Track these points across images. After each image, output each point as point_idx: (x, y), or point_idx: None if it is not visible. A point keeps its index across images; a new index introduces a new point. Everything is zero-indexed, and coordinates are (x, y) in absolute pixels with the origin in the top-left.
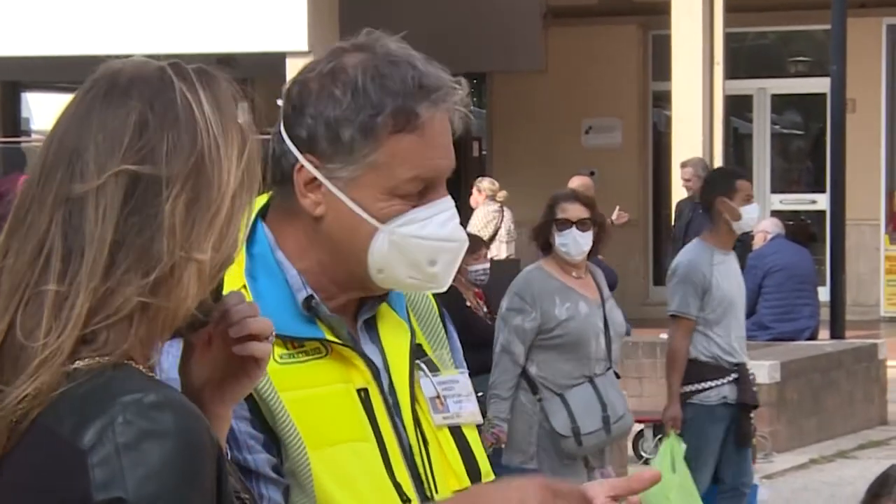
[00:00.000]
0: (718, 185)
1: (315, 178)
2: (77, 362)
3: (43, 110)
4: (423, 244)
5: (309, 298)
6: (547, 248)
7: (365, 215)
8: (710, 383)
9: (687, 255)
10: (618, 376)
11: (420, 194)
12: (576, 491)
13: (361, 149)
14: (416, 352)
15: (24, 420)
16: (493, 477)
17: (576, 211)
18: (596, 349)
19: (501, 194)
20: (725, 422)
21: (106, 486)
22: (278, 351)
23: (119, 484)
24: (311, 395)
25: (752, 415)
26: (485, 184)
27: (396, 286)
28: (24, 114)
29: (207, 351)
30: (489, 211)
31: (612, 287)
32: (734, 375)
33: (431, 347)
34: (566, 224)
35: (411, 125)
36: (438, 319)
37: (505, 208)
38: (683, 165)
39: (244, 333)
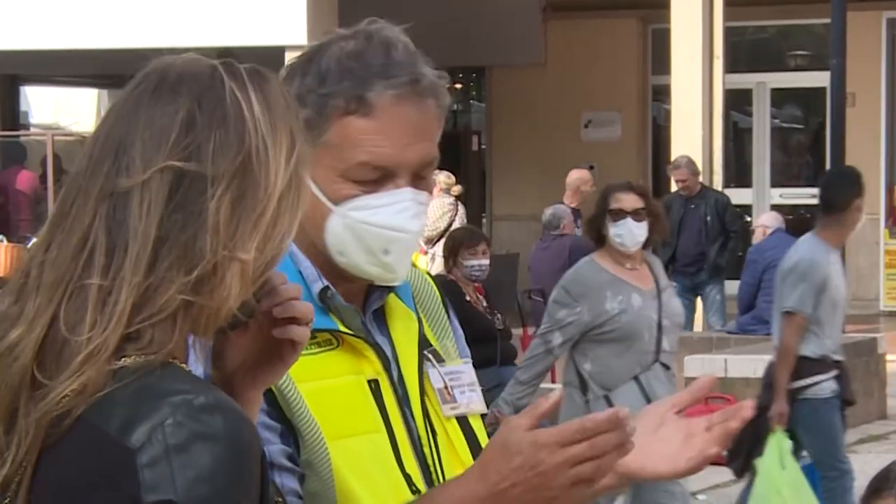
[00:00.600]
0: (855, 186)
1: None
2: (123, 360)
3: (41, 104)
4: (373, 231)
5: (325, 290)
6: (600, 240)
7: (320, 195)
8: (820, 377)
9: (808, 252)
10: (668, 367)
11: (377, 182)
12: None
13: (315, 128)
14: (423, 342)
15: (68, 416)
16: None
17: (630, 201)
18: (648, 342)
19: (456, 188)
20: (838, 413)
21: (156, 488)
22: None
23: (169, 486)
24: (324, 387)
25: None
26: (441, 177)
27: (360, 272)
28: (22, 107)
29: (243, 334)
30: (444, 203)
31: None
32: (838, 371)
33: (436, 338)
34: (621, 214)
35: (362, 109)
36: (442, 309)
37: (459, 203)
38: (675, 167)
39: (288, 315)
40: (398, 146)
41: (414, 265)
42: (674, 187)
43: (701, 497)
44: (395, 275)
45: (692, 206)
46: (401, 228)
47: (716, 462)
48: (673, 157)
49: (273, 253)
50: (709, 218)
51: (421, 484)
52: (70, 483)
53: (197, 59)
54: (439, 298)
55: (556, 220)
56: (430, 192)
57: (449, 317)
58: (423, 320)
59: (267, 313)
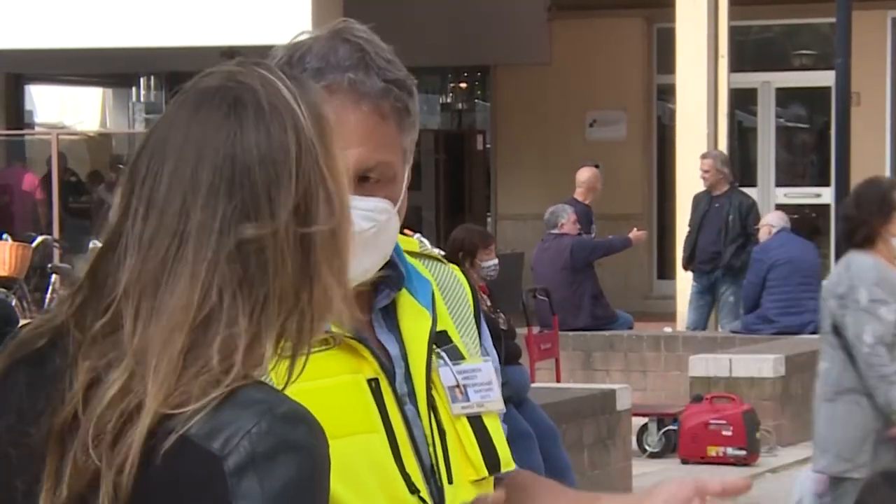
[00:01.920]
0: None
1: None
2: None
3: (46, 103)
4: None
5: None
6: (867, 242)
7: None
8: None
9: None
10: None
11: None
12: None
13: None
14: (439, 339)
15: (174, 433)
16: (514, 466)
17: None
18: None
19: None
20: None
21: (245, 496)
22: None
23: (257, 494)
24: (315, 388)
25: None
26: None
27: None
28: (27, 106)
29: None
30: None
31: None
32: None
33: (459, 333)
34: None
35: None
36: (469, 305)
37: None
38: (704, 156)
39: None
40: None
41: (444, 262)
42: (679, 186)
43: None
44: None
45: (716, 205)
46: None
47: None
48: (678, 157)
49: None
50: (731, 217)
51: (421, 483)
52: (160, 490)
53: (264, 76)
54: (469, 297)
55: (553, 219)
56: (391, 198)
57: (478, 316)
58: (445, 315)
59: None
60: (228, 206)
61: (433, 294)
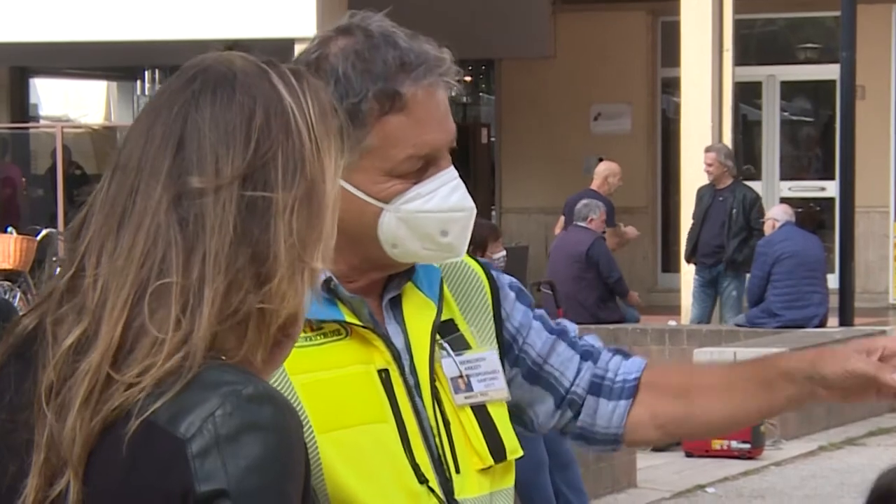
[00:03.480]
0: None
1: None
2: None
3: (51, 96)
4: (430, 217)
5: (328, 281)
6: None
7: (367, 198)
8: None
9: None
10: None
11: (421, 170)
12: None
13: (351, 136)
14: (444, 329)
15: (134, 410)
16: (520, 453)
17: None
18: None
19: None
20: None
21: (208, 478)
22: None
23: (221, 476)
24: (327, 378)
25: None
26: None
27: (414, 259)
28: (32, 99)
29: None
30: None
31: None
32: None
33: (468, 322)
34: None
35: (397, 106)
36: (486, 291)
37: None
38: (708, 150)
39: None
40: (437, 130)
41: None
42: (684, 179)
43: (710, 490)
44: (454, 252)
45: (720, 199)
46: (458, 208)
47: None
48: (682, 150)
49: (327, 257)
50: (734, 211)
51: (431, 473)
52: (122, 474)
53: (251, 59)
54: (485, 283)
55: (585, 211)
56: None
57: (496, 300)
58: (453, 305)
59: None
60: (176, 159)
61: (441, 283)
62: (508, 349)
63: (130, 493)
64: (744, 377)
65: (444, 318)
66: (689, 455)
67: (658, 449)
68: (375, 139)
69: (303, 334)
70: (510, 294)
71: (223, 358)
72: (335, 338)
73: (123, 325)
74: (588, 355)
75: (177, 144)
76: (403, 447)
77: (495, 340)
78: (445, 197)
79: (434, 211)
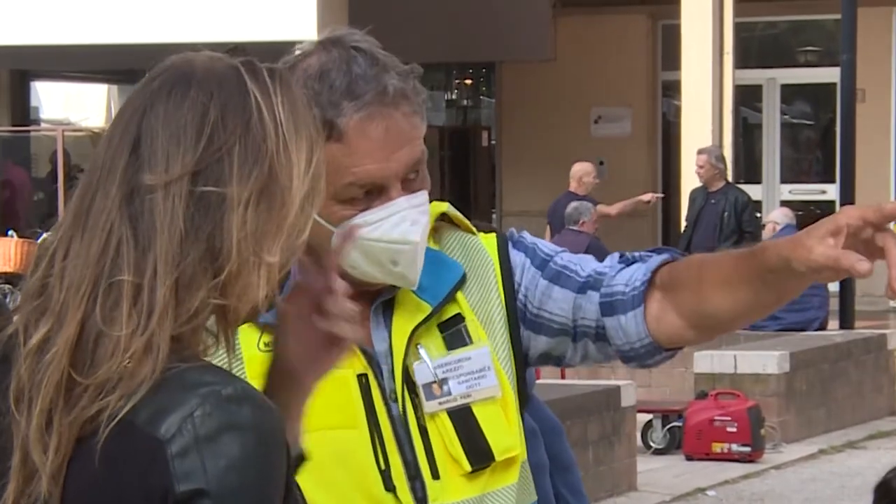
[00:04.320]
0: None
1: None
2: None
3: (51, 99)
4: (377, 246)
5: None
6: None
7: (320, 220)
8: None
9: None
10: None
11: (369, 196)
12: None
13: None
14: (447, 325)
15: (101, 414)
16: (516, 452)
17: None
18: None
19: None
20: None
21: (187, 478)
22: (266, 339)
23: (200, 475)
24: None
25: None
26: None
27: (374, 280)
28: (32, 103)
29: (300, 324)
30: None
31: None
32: None
33: (476, 311)
34: None
35: (333, 135)
36: (494, 268)
37: None
38: (699, 152)
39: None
40: (379, 160)
41: (473, 232)
42: (684, 182)
43: (710, 493)
44: (407, 282)
45: (712, 201)
46: (402, 240)
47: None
48: (683, 153)
49: (292, 253)
50: (726, 214)
51: (402, 480)
52: (102, 476)
53: (218, 57)
54: (494, 261)
55: (576, 215)
56: (426, 187)
57: (506, 276)
58: (461, 300)
59: (311, 304)
60: (130, 158)
61: (459, 282)
62: (523, 315)
63: (110, 494)
64: (745, 273)
65: (449, 314)
66: (689, 458)
67: (658, 452)
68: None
69: None
70: (517, 258)
71: (188, 355)
72: None
73: (80, 324)
74: (586, 286)
75: (132, 144)
76: (374, 453)
77: (505, 322)
78: (391, 228)
79: (379, 240)
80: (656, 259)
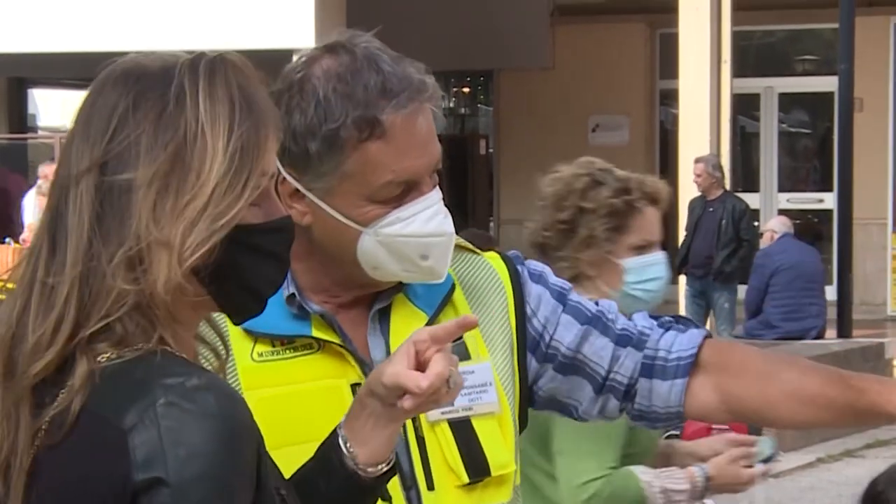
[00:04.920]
0: None
1: (298, 189)
2: (102, 356)
3: (49, 106)
4: (409, 241)
5: (291, 296)
6: None
7: (346, 221)
8: None
9: None
10: None
11: (400, 195)
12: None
13: (330, 161)
14: None
15: (68, 413)
16: (510, 469)
17: None
18: None
19: None
20: None
21: (146, 466)
22: (259, 349)
23: (160, 464)
24: (292, 391)
25: None
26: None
27: (394, 279)
28: (30, 110)
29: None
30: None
31: None
32: None
33: (482, 325)
34: None
35: (376, 133)
36: (505, 290)
37: None
38: (696, 161)
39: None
40: (417, 157)
41: (476, 253)
42: (681, 190)
43: (708, 501)
44: (435, 275)
45: (710, 210)
46: (437, 233)
47: None
48: (680, 162)
49: (206, 235)
50: (724, 222)
51: (396, 489)
52: (70, 471)
53: (162, 55)
54: (505, 284)
55: None
56: (437, 185)
57: (519, 301)
58: (459, 314)
59: None
60: (59, 160)
61: (449, 291)
62: (535, 346)
63: (78, 486)
64: (829, 401)
65: None
66: None
67: None
68: (355, 165)
69: (271, 348)
70: (535, 289)
71: (137, 348)
72: (306, 352)
73: (13, 328)
74: (626, 340)
75: (65, 148)
76: None
77: (511, 346)
78: (425, 222)
79: (413, 235)
80: (697, 334)
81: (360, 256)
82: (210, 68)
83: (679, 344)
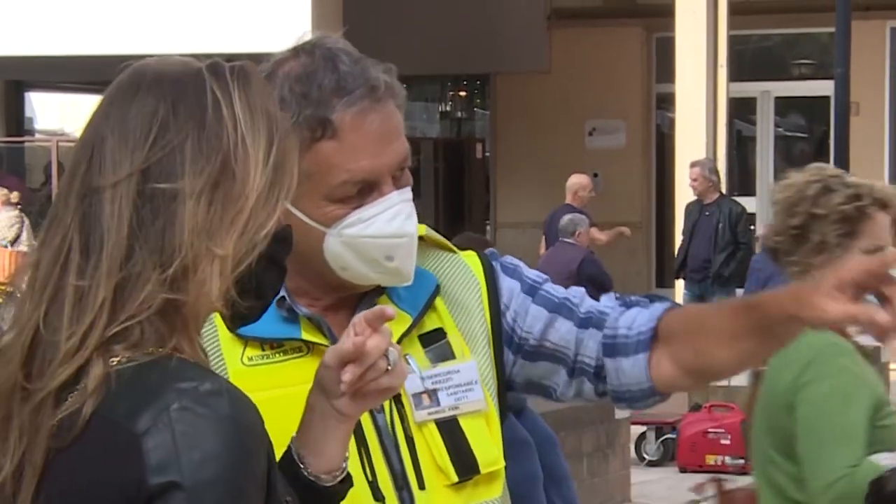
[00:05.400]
0: None
1: None
2: (114, 359)
3: (46, 110)
4: (372, 242)
5: (281, 299)
6: None
7: (310, 222)
8: None
9: None
10: None
11: (361, 194)
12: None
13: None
14: (430, 339)
15: (79, 416)
16: (499, 466)
17: None
18: None
19: (15, 195)
20: None
21: (161, 470)
22: (249, 353)
23: (174, 468)
24: (282, 395)
25: None
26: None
27: (367, 281)
28: (27, 113)
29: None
30: (11, 216)
31: (605, 290)
32: None
33: (459, 327)
34: None
35: (328, 133)
36: (480, 288)
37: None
38: (692, 165)
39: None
40: (373, 156)
41: (453, 251)
42: (678, 195)
43: None
44: (402, 277)
45: (707, 214)
46: (399, 234)
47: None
48: (677, 165)
49: (251, 246)
50: (721, 226)
51: (390, 490)
52: (79, 475)
53: (180, 60)
54: (479, 281)
55: (571, 227)
56: (409, 184)
57: (493, 297)
58: (443, 314)
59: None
60: (84, 166)
61: (433, 293)
62: (510, 339)
63: (88, 490)
64: (746, 326)
65: (431, 327)
66: (683, 470)
67: (652, 464)
68: (311, 165)
69: (261, 352)
70: (507, 283)
71: (151, 352)
72: (295, 355)
73: (33, 331)
74: (588, 322)
75: (89, 153)
76: (361, 464)
77: (488, 341)
78: (386, 223)
79: (376, 236)
80: (659, 307)
81: (327, 257)
82: (243, 78)
83: (640, 320)
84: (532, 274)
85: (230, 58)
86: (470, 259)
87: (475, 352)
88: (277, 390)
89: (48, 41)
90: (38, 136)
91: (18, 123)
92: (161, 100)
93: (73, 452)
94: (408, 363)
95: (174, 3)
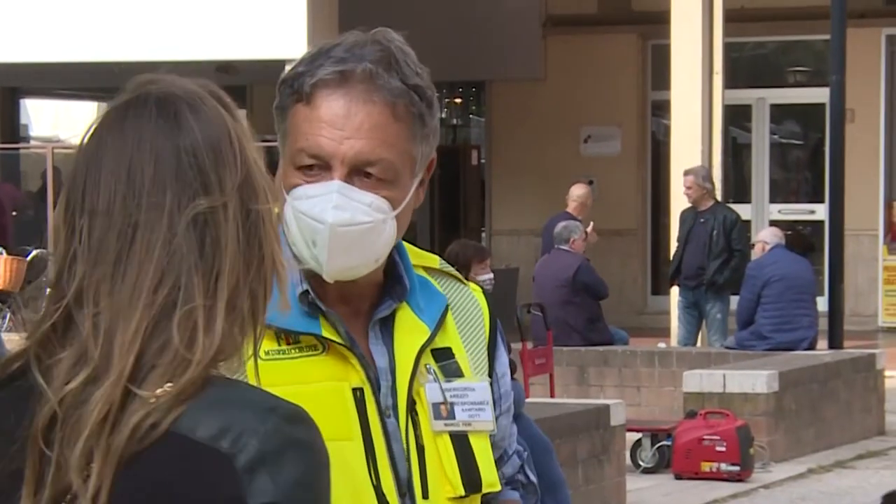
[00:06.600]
0: None
1: None
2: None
3: (41, 116)
4: (303, 220)
5: (305, 293)
6: None
7: (279, 184)
8: None
9: None
10: None
11: (317, 173)
12: None
13: (280, 120)
14: (440, 355)
15: (154, 429)
16: (498, 488)
17: None
18: None
19: None
20: None
21: (260, 492)
22: (266, 346)
23: (270, 490)
24: (296, 392)
25: None
26: None
27: (309, 266)
28: (22, 120)
29: None
30: None
31: (601, 298)
32: None
33: (467, 352)
34: None
35: (303, 95)
36: (484, 327)
37: None
38: (686, 173)
39: None
40: (333, 136)
41: (464, 283)
42: (673, 202)
43: None
44: (321, 268)
45: (701, 221)
46: (317, 218)
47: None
48: (672, 173)
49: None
50: (715, 233)
51: (393, 496)
52: (161, 490)
53: (181, 80)
54: (485, 319)
55: (566, 234)
56: (392, 200)
57: (493, 340)
58: (452, 331)
59: None
60: (177, 188)
61: (444, 311)
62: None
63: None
64: None
65: (441, 345)
66: (678, 477)
67: (648, 471)
68: (288, 126)
69: (277, 347)
70: (500, 340)
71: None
72: (311, 353)
73: (136, 356)
74: (503, 459)
75: (175, 175)
76: (368, 468)
77: (486, 373)
78: (313, 204)
79: (304, 214)
80: None
81: (285, 228)
82: (232, 105)
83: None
84: (505, 360)
85: (226, 64)
86: (477, 293)
87: (477, 378)
88: (292, 387)
89: (43, 48)
90: (33, 142)
91: (14, 130)
92: (223, 123)
93: (149, 470)
94: (431, 373)
95: (170, 10)
